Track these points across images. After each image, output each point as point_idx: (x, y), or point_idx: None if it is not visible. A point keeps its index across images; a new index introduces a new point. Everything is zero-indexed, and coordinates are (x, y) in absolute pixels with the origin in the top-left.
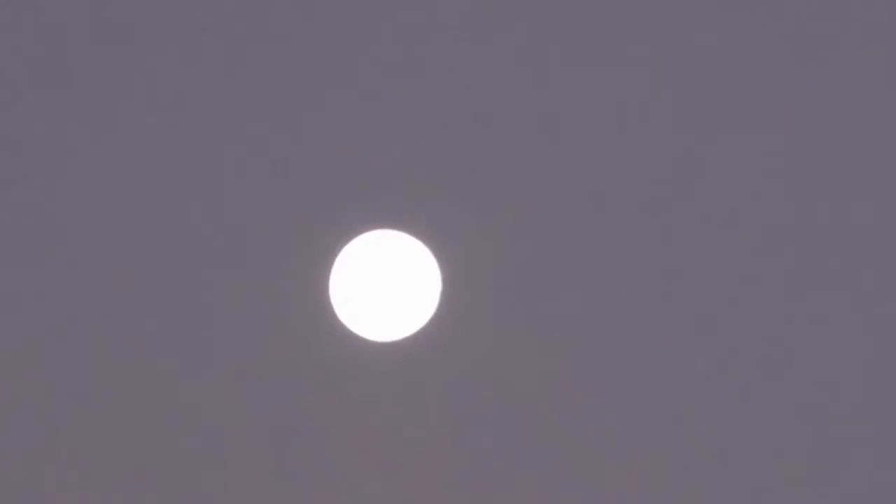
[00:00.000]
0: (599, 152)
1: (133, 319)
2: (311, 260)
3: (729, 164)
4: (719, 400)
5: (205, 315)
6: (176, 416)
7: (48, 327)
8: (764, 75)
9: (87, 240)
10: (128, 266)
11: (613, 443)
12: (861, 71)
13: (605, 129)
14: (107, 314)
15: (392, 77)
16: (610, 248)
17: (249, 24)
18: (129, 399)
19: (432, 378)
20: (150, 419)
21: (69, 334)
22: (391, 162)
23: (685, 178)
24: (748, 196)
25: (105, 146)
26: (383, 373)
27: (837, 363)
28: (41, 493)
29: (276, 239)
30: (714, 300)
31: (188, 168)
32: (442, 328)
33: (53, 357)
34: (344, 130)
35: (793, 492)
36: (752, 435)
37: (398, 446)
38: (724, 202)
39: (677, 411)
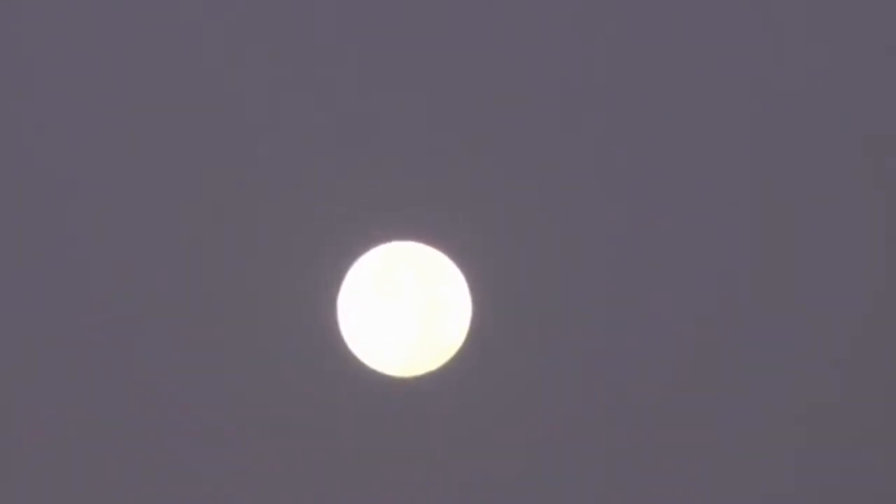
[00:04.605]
0: (636, 173)
1: (137, 350)
2: (316, 279)
3: None
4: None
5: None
6: (180, 446)
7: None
8: None
9: (88, 239)
10: (132, 292)
11: (646, 476)
12: None
13: (645, 150)
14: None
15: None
16: (649, 283)
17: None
18: (136, 423)
19: (460, 421)
20: (153, 449)
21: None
22: (415, 167)
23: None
24: None
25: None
26: (402, 414)
27: None
28: None
29: (277, 252)
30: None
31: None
32: (472, 361)
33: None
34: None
35: None
36: None
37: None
38: None
39: (710, 444)
